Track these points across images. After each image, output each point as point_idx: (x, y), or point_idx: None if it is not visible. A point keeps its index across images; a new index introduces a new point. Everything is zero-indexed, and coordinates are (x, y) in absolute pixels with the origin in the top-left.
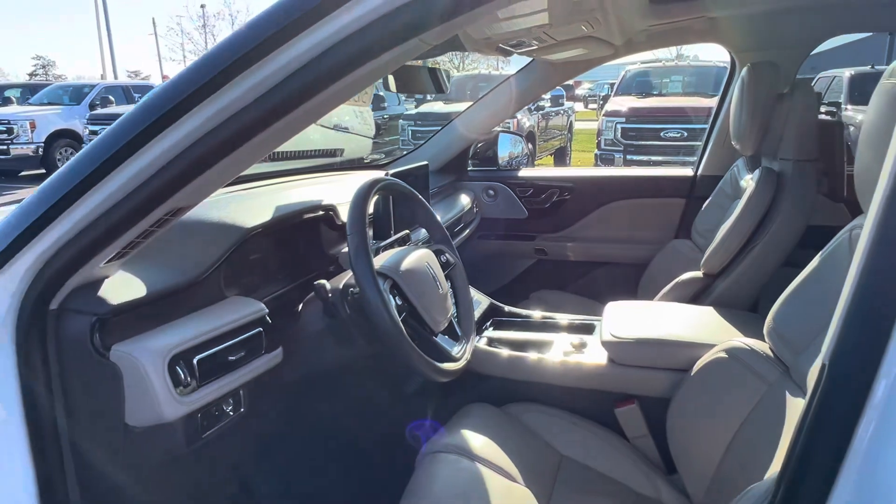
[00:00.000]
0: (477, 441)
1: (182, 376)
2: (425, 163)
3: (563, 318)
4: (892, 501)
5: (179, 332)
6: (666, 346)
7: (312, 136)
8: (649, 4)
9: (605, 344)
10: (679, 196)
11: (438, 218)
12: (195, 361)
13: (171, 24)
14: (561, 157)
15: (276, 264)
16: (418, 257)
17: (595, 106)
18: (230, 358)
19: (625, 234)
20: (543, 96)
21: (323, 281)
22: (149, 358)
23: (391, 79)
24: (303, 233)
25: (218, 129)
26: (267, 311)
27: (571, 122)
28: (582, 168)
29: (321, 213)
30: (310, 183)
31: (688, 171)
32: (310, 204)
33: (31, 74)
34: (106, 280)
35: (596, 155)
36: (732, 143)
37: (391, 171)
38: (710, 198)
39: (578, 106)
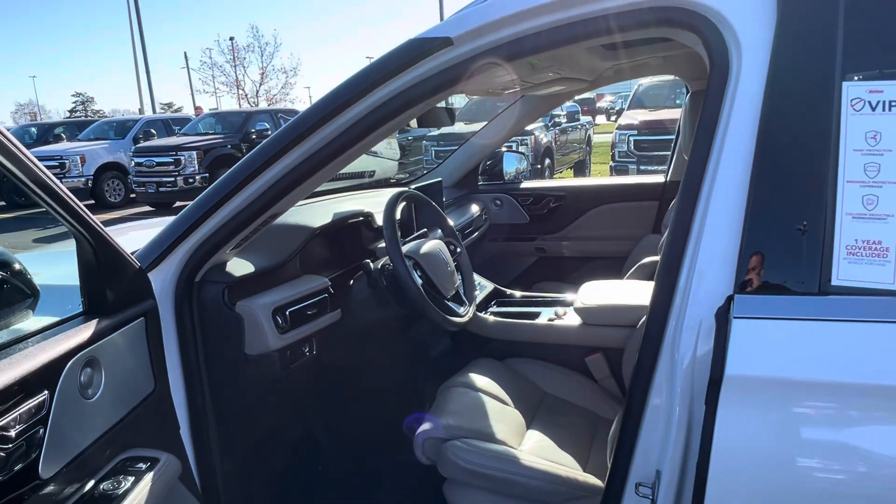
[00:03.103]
0: (481, 381)
1: (280, 322)
2: (439, 179)
3: (549, 297)
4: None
5: (277, 294)
6: (620, 309)
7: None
8: (604, 50)
9: (577, 310)
10: (653, 199)
11: (448, 219)
12: (287, 313)
13: (202, 58)
14: (580, 170)
15: (332, 254)
16: (432, 245)
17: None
18: (308, 312)
19: (609, 232)
20: (559, 112)
21: (368, 261)
22: (260, 309)
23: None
24: (349, 233)
25: (299, 165)
26: (330, 283)
27: (590, 135)
28: (572, 179)
29: (361, 218)
30: (353, 197)
31: (660, 178)
32: (354, 212)
33: (71, 111)
34: (228, 262)
35: (611, 167)
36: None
37: (413, 186)
38: (675, 199)
39: (601, 118)
